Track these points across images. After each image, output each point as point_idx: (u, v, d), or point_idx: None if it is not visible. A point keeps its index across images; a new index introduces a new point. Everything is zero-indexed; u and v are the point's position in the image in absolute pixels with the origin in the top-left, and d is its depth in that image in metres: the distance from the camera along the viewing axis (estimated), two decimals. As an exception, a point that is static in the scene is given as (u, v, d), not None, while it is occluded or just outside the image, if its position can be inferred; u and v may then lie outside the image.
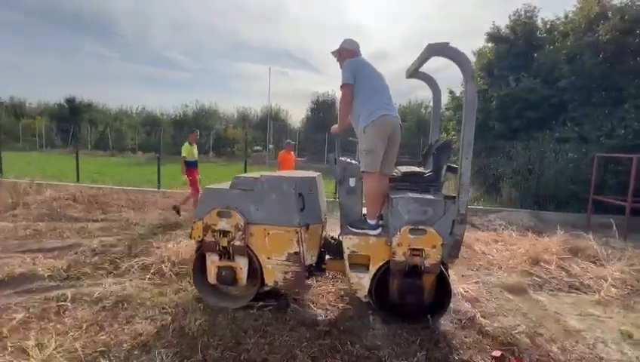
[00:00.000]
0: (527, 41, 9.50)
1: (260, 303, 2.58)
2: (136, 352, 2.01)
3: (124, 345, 2.07)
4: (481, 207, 7.42)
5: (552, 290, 3.34)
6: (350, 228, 2.43)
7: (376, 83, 2.49)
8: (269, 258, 2.47)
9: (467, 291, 3.08)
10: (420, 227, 2.22)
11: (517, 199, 7.86)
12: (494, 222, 6.20)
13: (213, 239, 2.47)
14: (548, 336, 2.43)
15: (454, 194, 2.28)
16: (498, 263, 3.97)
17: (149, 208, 5.91)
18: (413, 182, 2.57)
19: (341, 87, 2.46)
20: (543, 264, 3.93)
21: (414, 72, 2.86)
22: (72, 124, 22.11)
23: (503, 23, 10.32)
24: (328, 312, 2.63)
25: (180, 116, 25.38)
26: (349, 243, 2.39)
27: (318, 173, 2.94)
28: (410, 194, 2.34)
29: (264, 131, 21.88)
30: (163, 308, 2.51)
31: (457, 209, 2.20)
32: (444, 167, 2.58)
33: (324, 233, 2.83)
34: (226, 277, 2.50)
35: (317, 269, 2.69)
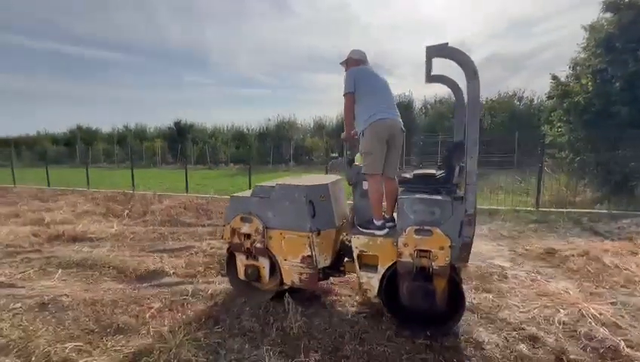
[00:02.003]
0: (662, 2, 7.57)
1: (355, 309, 2.58)
2: (247, 347, 2.21)
3: (237, 339, 2.29)
4: (607, 211, 6.11)
5: None
6: (359, 229, 2.52)
7: (376, 88, 2.61)
8: (285, 259, 2.67)
9: (601, 313, 2.54)
10: (426, 227, 2.19)
11: (659, 200, 6.25)
12: (628, 229, 5.03)
13: (239, 241, 2.77)
14: None
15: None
16: (641, 281, 3.18)
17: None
18: (425, 183, 2.48)
19: (343, 95, 2.60)
20: None
21: (429, 77, 2.81)
22: (179, 143, 26.15)
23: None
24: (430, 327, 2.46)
25: (263, 129, 27.66)
26: (358, 243, 2.46)
27: (336, 179, 3.01)
28: (417, 195, 2.32)
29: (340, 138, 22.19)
30: (265, 307, 2.71)
31: (465, 209, 2.09)
32: (457, 167, 2.47)
33: (341, 237, 2.89)
34: (251, 275, 2.79)
35: (335, 271, 2.82)
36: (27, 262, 3.97)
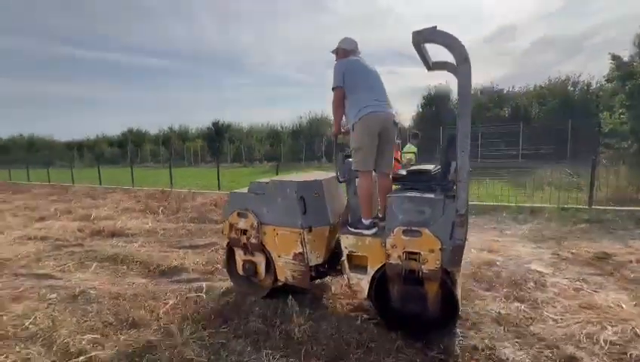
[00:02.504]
0: None
1: (365, 316, 2.44)
2: (248, 349, 2.16)
3: (240, 340, 2.26)
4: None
5: None
6: (348, 228, 2.44)
7: (367, 81, 2.49)
8: (279, 256, 2.68)
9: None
10: (414, 228, 2.07)
11: None
12: None
13: (236, 236, 2.83)
14: None
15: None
16: None
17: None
18: (419, 180, 2.35)
19: (332, 89, 2.49)
20: None
21: (429, 65, 2.61)
22: (217, 143, 27.39)
23: None
24: (445, 338, 2.24)
25: (296, 127, 28.02)
26: (347, 243, 2.40)
27: (333, 176, 2.89)
28: (407, 193, 2.20)
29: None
30: (274, 308, 2.65)
31: (456, 209, 1.94)
32: (453, 163, 2.28)
33: (337, 235, 2.76)
34: (249, 270, 2.84)
35: (332, 270, 2.78)
36: (69, 255, 4.32)
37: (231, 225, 2.85)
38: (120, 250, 4.40)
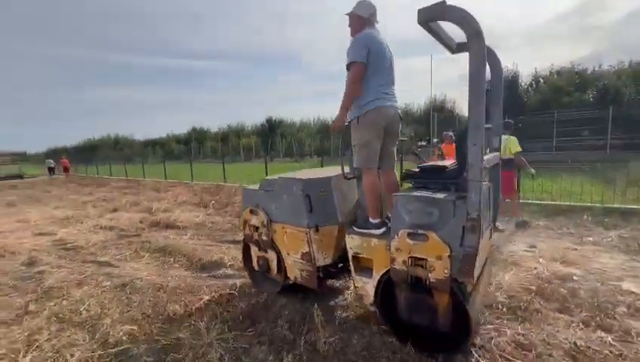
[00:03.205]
0: None
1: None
2: (270, 358, 2.03)
3: (263, 347, 2.14)
4: None
5: None
6: (353, 228, 2.30)
7: (383, 66, 2.17)
8: (288, 254, 2.63)
9: None
10: (420, 231, 1.85)
11: None
12: None
13: (249, 232, 2.85)
14: None
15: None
16: None
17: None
18: (433, 178, 2.08)
19: (349, 64, 2.13)
20: None
21: (450, 48, 2.30)
22: (269, 138, 28.40)
23: None
24: (498, 366, 1.86)
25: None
26: (352, 244, 2.26)
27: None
28: (414, 192, 1.98)
29: (429, 125, 20.62)
30: (302, 314, 2.49)
31: (466, 211, 1.70)
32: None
33: None
34: (263, 266, 2.85)
35: (345, 271, 2.66)
36: (128, 245, 4.70)
37: (245, 221, 2.87)
38: (170, 242, 4.66)
